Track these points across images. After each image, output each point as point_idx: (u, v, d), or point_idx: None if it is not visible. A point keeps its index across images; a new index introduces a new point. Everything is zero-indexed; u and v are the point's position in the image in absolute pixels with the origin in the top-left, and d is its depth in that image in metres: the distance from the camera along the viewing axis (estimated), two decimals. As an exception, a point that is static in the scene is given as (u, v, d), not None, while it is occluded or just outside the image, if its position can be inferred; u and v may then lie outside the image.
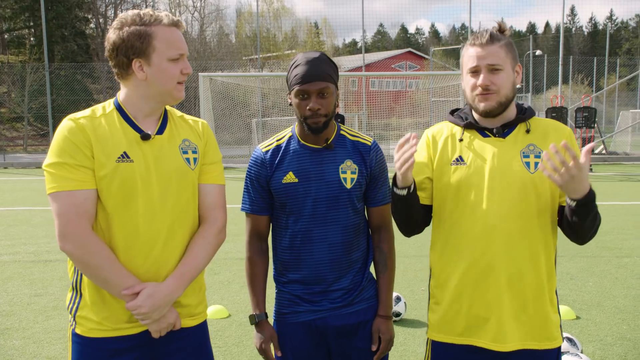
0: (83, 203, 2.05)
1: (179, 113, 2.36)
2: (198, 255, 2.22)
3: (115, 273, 2.07)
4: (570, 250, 7.42)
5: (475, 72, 2.26)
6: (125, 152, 2.11)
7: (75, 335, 2.19)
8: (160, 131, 2.21)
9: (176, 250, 2.20)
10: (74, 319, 2.19)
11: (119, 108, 2.19)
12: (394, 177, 2.25)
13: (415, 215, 2.35)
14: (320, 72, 2.32)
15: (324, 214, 2.42)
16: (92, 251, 2.05)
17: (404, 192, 2.23)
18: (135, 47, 2.08)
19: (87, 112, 2.18)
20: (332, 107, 2.38)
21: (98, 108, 2.20)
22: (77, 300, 2.19)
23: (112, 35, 2.11)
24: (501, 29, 2.29)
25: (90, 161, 2.07)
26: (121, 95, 2.21)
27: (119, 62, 2.13)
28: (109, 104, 2.22)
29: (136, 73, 2.12)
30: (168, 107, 2.31)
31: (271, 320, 2.56)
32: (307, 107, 2.34)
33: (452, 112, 2.46)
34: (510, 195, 2.23)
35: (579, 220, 2.15)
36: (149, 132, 2.17)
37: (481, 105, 2.27)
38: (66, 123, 2.12)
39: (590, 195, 2.09)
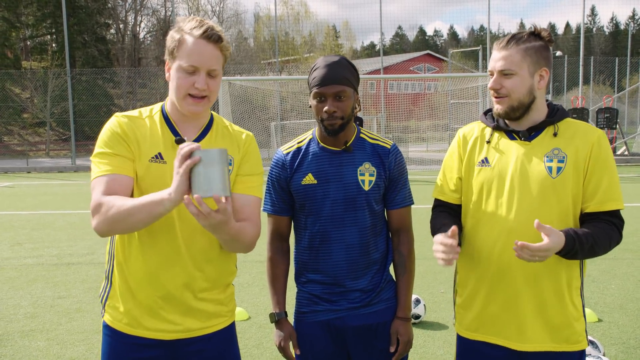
0: (108, 183, 2.07)
1: (226, 122, 2.37)
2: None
3: (137, 206, 1.99)
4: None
5: (492, 74, 2.30)
6: (159, 153, 2.16)
7: (105, 327, 2.27)
8: (199, 139, 2.23)
9: (199, 255, 2.20)
10: (104, 308, 2.27)
11: (164, 111, 2.25)
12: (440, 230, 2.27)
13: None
14: (337, 76, 2.36)
15: (341, 215, 2.44)
16: (108, 209, 2.00)
17: None
18: (168, 48, 2.15)
19: (135, 112, 2.26)
20: (350, 110, 2.40)
21: (146, 109, 2.27)
22: (107, 289, 2.27)
23: None
24: (537, 32, 2.29)
25: (128, 151, 2.14)
26: (168, 98, 2.28)
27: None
28: (157, 106, 2.29)
29: (166, 73, 2.20)
30: (216, 116, 2.34)
31: (292, 320, 2.59)
32: (324, 110, 2.37)
33: (486, 113, 2.47)
34: (530, 199, 2.23)
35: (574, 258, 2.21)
36: (185, 138, 2.18)
37: (494, 107, 2.33)
38: (112, 119, 2.21)
39: (567, 248, 2.10)
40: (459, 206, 2.45)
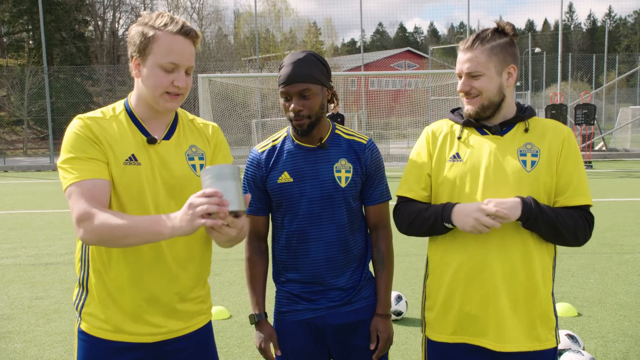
0: (90, 190, 1.99)
1: (190, 116, 2.32)
2: None
3: (131, 231, 1.92)
4: (571, 248, 7.39)
5: (460, 76, 2.30)
6: (133, 155, 2.10)
7: (80, 332, 2.19)
8: (168, 136, 2.18)
9: (182, 254, 2.17)
10: (80, 316, 2.19)
11: (128, 110, 2.18)
12: (448, 214, 2.23)
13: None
14: (301, 74, 2.32)
15: (318, 213, 2.42)
16: (99, 224, 1.92)
17: (452, 227, 2.26)
18: (137, 45, 2.07)
19: (97, 112, 2.16)
20: (318, 108, 2.37)
21: (108, 109, 2.18)
22: (83, 297, 2.19)
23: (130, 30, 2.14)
24: (500, 28, 2.28)
25: (102, 154, 2.05)
26: (132, 96, 2.20)
27: (129, 57, 2.13)
28: (119, 105, 2.20)
29: (133, 70, 2.12)
30: (179, 111, 2.28)
31: (271, 319, 2.56)
32: (290, 108, 2.35)
33: (453, 111, 2.47)
34: (504, 192, 2.22)
35: (537, 232, 2.24)
36: (156, 137, 2.14)
37: (465, 108, 2.33)
38: (76, 122, 2.10)
39: (525, 215, 2.15)
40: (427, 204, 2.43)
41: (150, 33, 2.05)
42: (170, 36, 2.04)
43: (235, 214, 1.84)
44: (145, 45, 2.05)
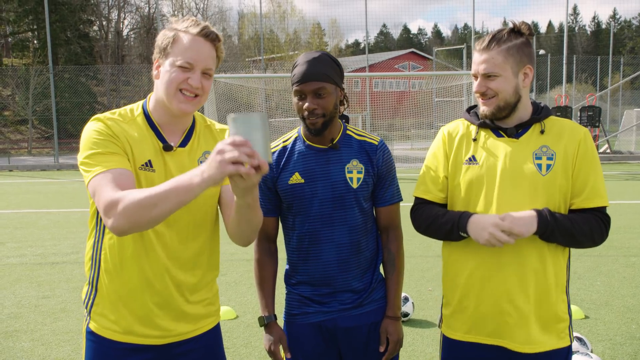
0: (117, 179, 1.91)
1: (208, 122, 2.30)
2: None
3: (160, 195, 1.79)
4: (577, 250, 7.35)
5: (476, 77, 2.29)
6: (149, 161, 2.07)
7: (89, 333, 2.18)
8: (184, 143, 2.16)
9: (189, 262, 2.16)
10: (89, 315, 2.18)
11: (146, 113, 2.15)
12: (464, 224, 2.23)
13: None
14: (316, 72, 2.31)
15: (330, 214, 2.41)
16: (125, 205, 1.81)
17: (467, 236, 2.26)
18: (159, 46, 2.07)
19: (114, 114, 2.13)
20: (331, 107, 2.36)
21: (126, 111, 2.15)
22: (92, 296, 2.17)
23: None
24: (516, 28, 2.27)
25: (123, 151, 2.02)
26: (151, 99, 2.18)
27: (153, 60, 2.12)
28: (136, 107, 2.17)
29: (154, 72, 2.11)
30: (197, 116, 2.26)
31: (281, 322, 2.55)
32: (304, 107, 2.34)
33: (469, 110, 2.46)
34: (520, 196, 2.22)
35: (554, 242, 2.24)
36: (172, 144, 2.12)
37: (481, 109, 2.31)
38: (94, 122, 2.07)
39: (542, 229, 2.16)
40: (444, 205, 2.43)
41: (172, 34, 2.06)
42: (190, 36, 2.04)
43: None
44: (166, 46, 2.06)
